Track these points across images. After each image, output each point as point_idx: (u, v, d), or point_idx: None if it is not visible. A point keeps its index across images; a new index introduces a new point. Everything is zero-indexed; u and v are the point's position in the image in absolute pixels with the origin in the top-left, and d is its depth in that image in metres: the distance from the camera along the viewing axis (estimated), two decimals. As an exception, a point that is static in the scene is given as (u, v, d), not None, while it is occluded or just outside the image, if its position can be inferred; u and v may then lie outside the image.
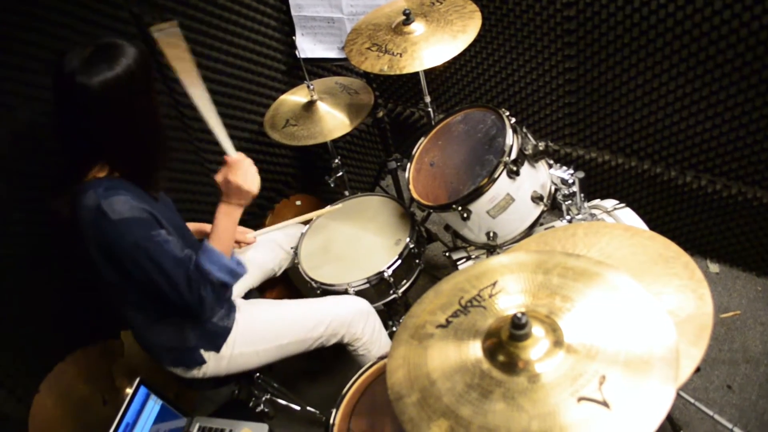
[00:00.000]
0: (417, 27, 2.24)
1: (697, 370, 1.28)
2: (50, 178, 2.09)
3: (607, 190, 2.79)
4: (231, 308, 2.03)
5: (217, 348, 1.99)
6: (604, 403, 1.01)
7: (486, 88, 2.92)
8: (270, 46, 2.80)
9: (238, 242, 2.28)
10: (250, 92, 2.78)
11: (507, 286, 1.28)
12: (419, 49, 2.17)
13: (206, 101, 1.93)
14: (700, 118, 2.29)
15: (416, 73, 2.33)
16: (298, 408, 2.47)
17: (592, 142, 2.71)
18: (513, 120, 2.06)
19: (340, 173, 2.78)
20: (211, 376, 2.03)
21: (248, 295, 2.34)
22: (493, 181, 1.96)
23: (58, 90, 1.62)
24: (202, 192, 2.70)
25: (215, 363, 2.00)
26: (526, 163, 2.03)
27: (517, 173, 1.99)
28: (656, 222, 2.71)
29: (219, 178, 1.88)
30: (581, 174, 1.95)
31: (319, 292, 2.27)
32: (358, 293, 2.22)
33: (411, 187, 2.21)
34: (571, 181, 1.97)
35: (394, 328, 2.44)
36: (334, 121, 2.49)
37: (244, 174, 1.86)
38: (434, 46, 2.17)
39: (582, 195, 1.99)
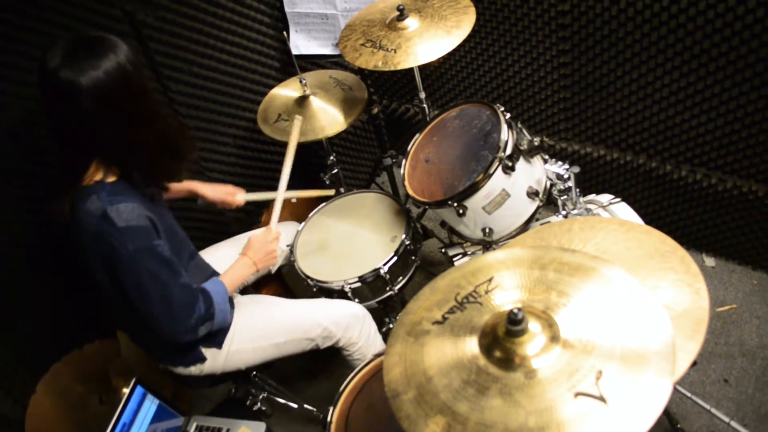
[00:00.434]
0: (411, 23, 2.24)
1: (694, 364, 1.28)
2: (46, 177, 2.10)
3: (602, 184, 2.79)
4: (230, 304, 2.03)
5: (219, 344, 1.99)
6: (601, 398, 1.01)
7: (481, 83, 2.91)
8: (264, 42, 2.80)
9: (227, 203, 2.31)
10: (245, 89, 2.78)
11: (503, 282, 1.28)
12: (413, 45, 2.17)
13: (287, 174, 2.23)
14: (695, 112, 2.29)
15: (411, 69, 2.33)
16: (295, 406, 2.47)
17: (587, 136, 2.71)
18: (508, 115, 2.05)
19: (336, 170, 2.77)
20: (208, 373, 2.02)
21: (244, 292, 2.34)
22: (488, 176, 1.96)
23: (44, 87, 1.58)
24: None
25: (213, 360, 2.00)
26: (521, 159, 2.03)
27: (512, 169, 1.99)
28: (652, 216, 2.71)
29: (253, 236, 2.11)
30: (577, 169, 1.95)
31: (315, 289, 2.27)
32: (354, 290, 2.21)
33: (406, 183, 2.21)
34: (566, 176, 1.98)
35: (391, 325, 2.44)
36: (327, 118, 2.48)
37: (270, 246, 2.09)
38: (428, 41, 2.16)
39: (577, 190, 1.99)
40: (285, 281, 2.58)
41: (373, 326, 2.22)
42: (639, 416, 0.97)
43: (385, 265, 2.20)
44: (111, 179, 1.70)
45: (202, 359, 1.97)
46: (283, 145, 2.56)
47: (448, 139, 2.23)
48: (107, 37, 1.62)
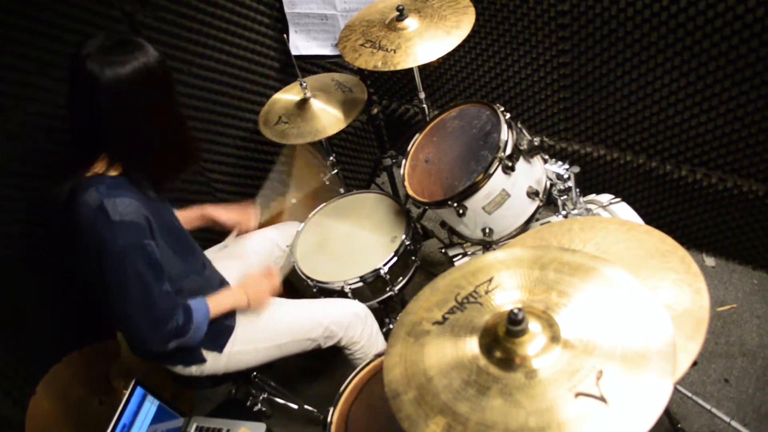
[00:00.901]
0: (410, 23, 2.23)
1: (694, 363, 1.28)
2: (46, 178, 2.09)
3: (602, 184, 2.79)
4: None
5: (219, 348, 1.99)
6: (602, 398, 1.00)
7: (480, 83, 2.91)
8: (263, 43, 2.79)
9: (244, 228, 2.32)
10: (245, 90, 2.77)
11: (503, 282, 1.27)
12: (413, 45, 2.17)
13: None
14: (695, 112, 2.29)
15: (410, 70, 2.33)
16: (295, 407, 2.46)
17: (587, 136, 2.71)
18: (508, 115, 2.05)
19: (335, 171, 2.77)
20: (209, 374, 2.02)
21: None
22: (488, 176, 1.96)
23: (71, 70, 1.61)
24: (197, 191, 2.69)
25: (214, 361, 1.99)
26: (521, 159, 2.03)
27: (512, 169, 1.99)
28: (652, 216, 2.71)
29: (255, 272, 2.09)
30: (577, 169, 1.95)
31: (315, 290, 2.26)
32: (354, 291, 2.21)
33: (406, 183, 2.21)
34: (566, 176, 1.97)
35: (391, 326, 2.43)
36: (327, 119, 2.48)
37: (266, 287, 2.05)
38: (428, 41, 2.16)
39: (577, 190, 1.99)
40: (286, 280, 2.58)
41: (375, 325, 2.22)
42: (640, 416, 0.97)
43: (385, 265, 2.19)
44: (113, 173, 1.71)
45: (202, 360, 1.97)
46: (282, 146, 2.57)
47: (447, 140, 2.23)
48: (143, 42, 1.65)
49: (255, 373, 2.23)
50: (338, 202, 2.57)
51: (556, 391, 1.04)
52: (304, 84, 2.52)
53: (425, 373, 1.16)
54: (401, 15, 2.23)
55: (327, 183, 2.78)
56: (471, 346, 1.17)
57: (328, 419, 1.73)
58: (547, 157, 2.15)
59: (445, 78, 3.05)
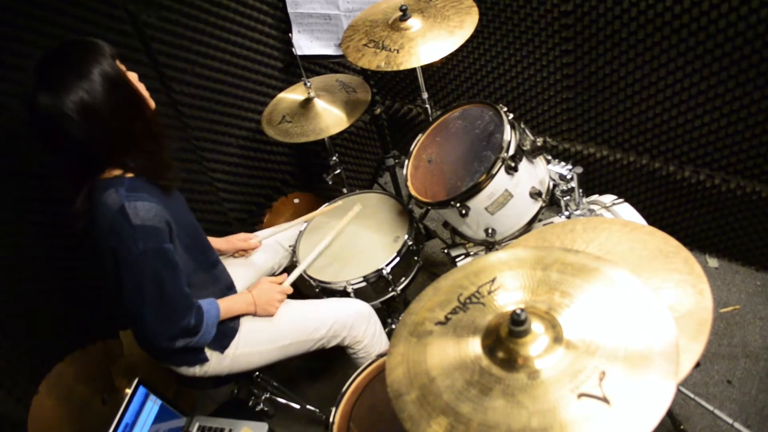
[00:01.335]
0: (414, 23, 2.23)
1: (697, 365, 1.28)
2: (47, 177, 2.10)
3: (605, 185, 2.78)
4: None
5: (222, 348, 1.99)
6: (605, 399, 1.00)
7: (483, 83, 2.91)
8: (267, 43, 2.80)
9: (243, 250, 2.30)
10: (248, 90, 2.78)
11: (506, 283, 1.27)
12: (416, 45, 2.17)
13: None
14: (698, 113, 2.29)
15: (413, 70, 2.33)
16: (297, 407, 2.47)
17: (590, 137, 2.71)
18: (511, 116, 2.05)
19: (338, 171, 2.77)
20: (212, 375, 2.02)
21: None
22: (491, 177, 1.96)
23: (31, 114, 1.55)
24: (200, 191, 2.70)
25: (217, 362, 2.00)
26: (524, 159, 2.02)
27: (515, 169, 1.98)
28: (655, 217, 2.71)
29: (263, 280, 2.10)
30: (579, 169, 1.95)
31: (318, 290, 2.26)
32: (357, 291, 2.21)
33: (409, 184, 2.21)
34: (569, 176, 1.97)
35: (393, 326, 2.43)
36: (330, 119, 2.48)
37: (275, 297, 2.06)
38: (431, 42, 2.16)
39: (580, 190, 1.98)
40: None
41: (379, 324, 2.22)
42: (642, 417, 0.97)
43: (387, 265, 2.19)
44: (130, 174, 1.70)
45: (205, 360, 1.97)
46: (285, 146, 2.57)
47: (450, 140, 2.22)
48: (83, 41, 1.58)
49: (257, 373, 2.23)
50: (341, 202, 2.57)
51: (558, 391, 1.04)
52: (309, 83, 2.53)
53: (428, 374, 1.16)
54: (404, 15, 2.23)
55: (330, 183, 2.78)
56: (473, 346, 1.17)
57: (331, 419, 1.73)
58: (550, 157, 2.14)
59: (448, 78, 3.05)
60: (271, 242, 2.41)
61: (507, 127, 2.00)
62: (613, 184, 2.76)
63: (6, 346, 2.14)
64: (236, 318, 2.01)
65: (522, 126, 2.07)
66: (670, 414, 2.15)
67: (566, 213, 2.04)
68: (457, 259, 2.29)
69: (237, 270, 2.22)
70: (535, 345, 1.10)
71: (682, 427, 2.11)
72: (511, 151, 1.98)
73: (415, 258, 2.32)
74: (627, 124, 2.53)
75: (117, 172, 1.69)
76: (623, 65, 2.35)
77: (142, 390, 1.93)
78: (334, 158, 2.75)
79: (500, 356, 1.12)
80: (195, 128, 2.59)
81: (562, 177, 2.00)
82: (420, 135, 2.32)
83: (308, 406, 2.47)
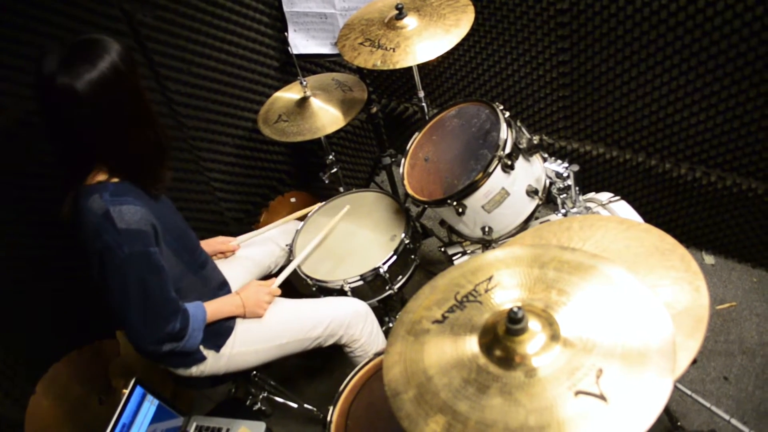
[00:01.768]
0: (410, 21, 2.23)
1: (694, 362, 1.28)
2: (45, 177, 2.09)
3: (601, 183, 2.79)
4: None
5: (217, 347, 1.98)
6: (602, 397, 1.00)
7: (480, 82, 2.91)
8: (263, 42, 2.79)
9: (222, 252, 2.30)
10: (244, 89, 2.77)
11: (503, 281, 1.27)
12: (412, 44, 2.17)
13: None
14: (693, 110, 2.29)
15: (410, 68, 2.33)
16: (295, 405, 2.46)
17: (586, 135, 2.71)
18: (507, 114, 2.05)
19: (335, 169, 2.77)
20: (209, 374, 2.02)
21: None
22: (487, 175, 1.96)
23: (41, 93, 1.57)
24: (196, 190, 2.69)
25: (214, 361, 1.99)
26: (520, 157, 2.03)
27: (511, 167, 1.98)
28: (651, 214, 2.71)
29: (252, 282, 2.10)
30: (576, 167, 1.95)
31: (314, 289, 2.26)
32: (354, 290, 2.21)
33: (405, 182, 2.21)
34: (565, 174, 1.97)
35: (390, 324, 2.43)
36: (326, 117, 2.48)
37: (263, 298, 2.06)
38: (427, 40, 2.16)
39: (577, 188, 1.99)
40: (290, 279, 2.58)
41: (376, 323, 2.22)
42: (639, 414, 0.97)
43: (384, 264, 2.19)
44: (115, 179, 1.70)
45: (202, 360, 1.97)
46: (281, 145, 2.57)
47: (447, 138, 2.22)
48: (101, 38, 1.60)
49: (255, 372, 2.23)
50: (337, 200, 2.56)
51: (555, 389, 1.04)
52: (305, 82, 2.52)
53: (425, 372, 1.16)
54: (400, 13, 2.23)
55: (326, 181, 2.78)
56: (471, 344, 1.17)
57: (328, 418, 1.73)
58: (546, 155, 2.14)
59: (444, 76, 3.04)
60: (267, 240, 2.41)
61: (503, 126, 2.00)
62: (610, 182, 2.76)
63: (2, 346, 2.14)
64: (232, 317, 2.01)
65: (518, 124, 2.08)
66: (667, 411, 2.15)
67: (563, 211, 2.04)
68: (454, 258, 2.29)
69: (232, 269, 2.22)
70: (532, 343, 1.10)
71: (679, 423, 2.12)
72: (508, 150, 1.98)
73: (412, 256, 2.32)
74: (623, 121, 2.53)
75: (102, 177, 1.69)
76: (619, 63, 2.36)
77: (139, 390, 1.93)
78: (331, 157, 2.75)
79: (497, 354, 1.12)
80: (191, 128, 2.58)
81: (558, 175, 2.00)
82: (416, 133, 2.32)
83: (306, 405, 2.47)
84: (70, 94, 1.52)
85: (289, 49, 2.58)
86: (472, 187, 1.98)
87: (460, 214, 2.05)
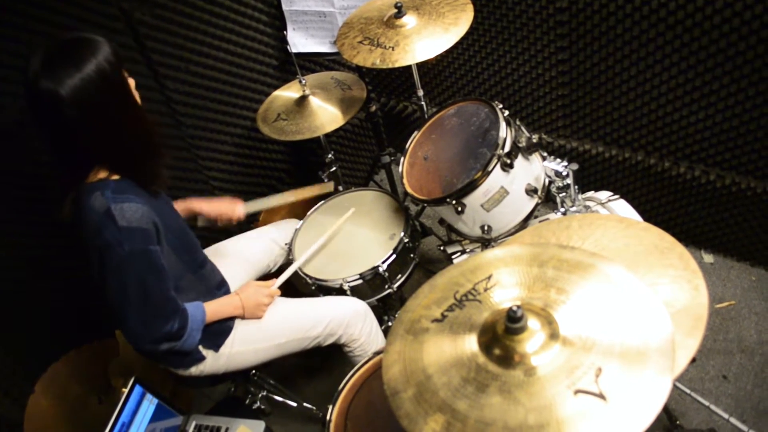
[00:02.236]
0: (409, 20, 2.23)
1: (693, 360, 1.28)
2: (44, 176, 2.09)
3: (601, 181, 2.79)
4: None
5: (216, 347, 1.98)
6: (601, 396, 1.00)
7: (479, 81, 2.91)
8: (261, 41, 2.79)
9: (227, 217, 2.29)
10: (242, 87, 2.77)
11: (502, 280, 1.27)
12: (411, 43, 2.16)
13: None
14: (693, 109, 2.29)
15: (409, 67, 2.33)
16: (294, 404, 2.47)
17: (585, 133, 2.71)
18: (506, 113, 2.05)
19: (334, 168, 2.77)
20: (208, 374, 2.02)
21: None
22: (487, 174, 1.96)
23: (27, 95, 1.55)
24: (195, 189, 2.69)
25: (213, 361, 1.99)
26: (519, 156, 2.03)
27: (510, 166, 1.98)
28: (650, 213, 2.71)
29: (251, 283, 2.09)
30: (575, 166, 1.95)
31: (314, 288, 2.26)
32: (353, 289, 2.21)
33: (405, 181, 2.21)
34: (565, 173, 1.97)
35: (390, 323, 2.43)
36: (325, 116, 2.48)
37: (262, 300, 2.04)
38: (426, 39, 2.16)
39: (576, 187, 1.98)
40: (289, 279, 2.58)
41: (375, 322, 2.22)
42: (638, 413, 0.97)
43: (383, 263, 2.19)
44: (116, 177, 1.70)
45: (201, 359, 1.97)
46: (280, 143, 2.57)
47: (446, 137, 2.22)
48: (87, 38, 1.58)
49: (254, 371, 2.23)
50: (336, 199, 2.56)
51: (555, 388, 1.04)
52: (304, 81, 2.52)
53: (424, 371, 1.16)
54: (399, 12, 2.23)
55: (325, 180, 2.78)
56: (470, 343, 1.17)
57: (328, 417, 1.73)
58: (545, 154, 2.14)
59: (443, 75, 3.04)
60: (266, 239, 2.41)
61: (502, 124, 2.00)
62: (609, 181, 2.76)
63: (2, 345, 2.14)
64: (231, 317, 2.01)
65: (517, 123, 2.08)
66: (666, 409, 2.16)
67: (562, 210, 2.04)
68: (453, 256, 2.29)
69: (231, 268, 2.22)
70: (532, 342, 1.10)
71: (678, 422, 2.12)
72: (507, 148, 1.98)
73: (411, 255, 2.32)
74: (622, 120, 2.53)
75: (103, 174, 1.69)
76: (618, 61, 2.35)
77: (138, 389, 1.93)
78: (330, 156, 2.74)
79: (497, 353, 1.12)
80: (189, 126, 2.58)
81: (557, 174, 2.00)
82: (415, 132, 2.32)
83: (305, 404, 2.47)
84: (54, 98, 1.51)
85: (288, 47, 2.57)
86: (472, 186, 1.97)
87: (459, 213, 2.05)
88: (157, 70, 2.39)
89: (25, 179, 2.10)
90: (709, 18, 2.04)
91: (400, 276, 2.29)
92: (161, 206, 1.81)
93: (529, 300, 1.20)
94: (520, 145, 2.03)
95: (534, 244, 1.41)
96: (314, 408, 2.47)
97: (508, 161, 1.97)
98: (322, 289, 2.25)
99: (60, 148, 1.67)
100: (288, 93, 2.64)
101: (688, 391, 2.04)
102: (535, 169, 2.13)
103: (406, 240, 2.26)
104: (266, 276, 2.45)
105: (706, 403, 2.00)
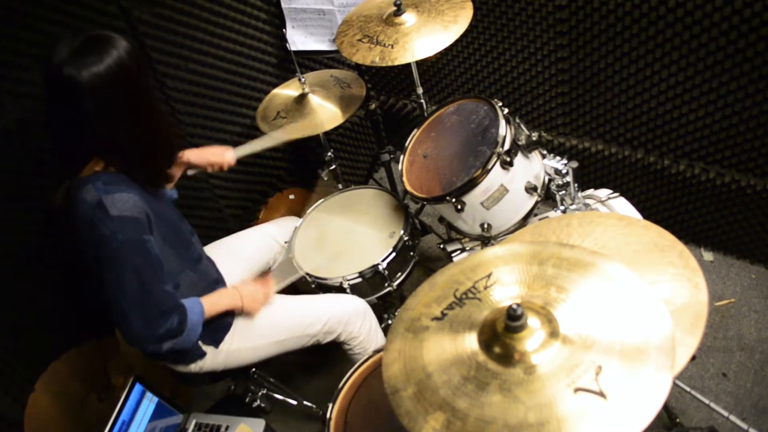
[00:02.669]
0: (408, 18, 2.23)
1: (693, 358, 1.28)
2: (44, 175, 2.09)
3: (600, 179, 2.78)
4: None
5: (216, 343, 1.98)
6: (601, 394, 1.00)
7: (478, 78, 2.91)
8: (261, 39, 2.79)
9: (217, 165, 2.28)
10: (242, 86, 2.77)
11: (502, 278, 1.27)
12: (411, 40, 2.16)
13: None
14: (693, 107, 2.29)
15: (408, 65, 2.32)
16: (294, 402, 2.47)
17: (585, 131, 2.71)
18: (506, 110, 2.05)
19: (333, 166, 2.77)
20: (208, 371, 2.02)
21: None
22: (486, 172, 1.96)
23: (47, 81, 1.58)
24: (195, 187, 2.69)
25: (212, 357, 1.99)
26: (519, 154, 2.02)
27: (510, 164, 1.98)
28: (650, 211, 2.71)
29: (250, 279, 2.10)
30: (575, 164, 1.95)
31: (314, 286, 2.26)
32: (353, 287, 2.21)
33: (404, 179, 2.21)
34: (564, 171, 1.97)
35: (390, 321, 2.43)
36: (325, 114, 2.48)
37: (260, 294, 2.02)
38: (426, 36, 2.16)
39: (576, 185, 1.98)
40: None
41: (374, 320, 2.22)
42: (639, 411, 0.97)
43: (383, 261, 2.19)
44: (111, 170, 1.70)
45: (201, 354, 1.96)
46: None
47: (446, 135, 2.22)
48: (110, 34, 1.61)
49: (254, 369, 2.23)
50: (336, 197, 2.56)
51: (555, 386, 1.04)
52: (303, 79, 2.52)
53: (424, 369, 1.16)
54: (399, 10, 2.23)
55: (324, 178, 2.78)
56: (470, 341, 1.17)
57: (328, 415, 1.73)
58: (545, 152, 2.14)
59: (443, 73, 3.04)
60: (266, 237, 2.41)
61: (502, 122, 2.00)
62: (609, 179, 2.76)
63: (1, 344, 2.14)
64: (231, 313, 2.00)
65: (517, 121, 2.08)
66: (666, 407, 2.16)
67: (562, 208, 2.04)
68: (453, 255, 2.29)
69: (231, 265, 2.21)
70: (532, 340, 1.10)
71: (677, 420, 2.12)
72: (507, 146, 1.98)
73: (411, 253, 2.32)
74: (622, 118, 2.53)
75: (97, 168, 1.69)
76: (618, 59, 2.35)
77: (138, 387, 1.93)
78: (329, 154, 2.74)
79: (497, 351, 1.12)
80: (189, 124, 2.58)
81: (557, 171, 2.00)
82: (415, 130, 2.31)
83: (305, 402, 2.47)
84: (74, 85, 1.53)
85: (288, 45, 2.57)
86: (471, 184, 1.97)
87: (459, 211, 2.05)
88: (156, 68, 2.38)
89: (25, 178, 2.10)
90: (708, 16, 2.04)
91: (400, 274, 2.29)
92: (154, 199, 1.80)
93: (529, 298, 1.20)
94: (520, 143, 2.03)
95: (534, 242, 1.41)
96: (314, 406, 2.47)
97: (508, 159, 1.97)
98: (322, 287, 2.25)
99: (66, 136, 1.67)
100: (287, 91, 2.63)
101: (688, 389, 2.04)
102: (534, 167, 2.13)
103: (406, 238, 2.26)
104: (265, 273, 2.45)
105: (706, 401, 2.00)
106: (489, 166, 1.96)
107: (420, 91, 2.56)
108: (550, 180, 2.09)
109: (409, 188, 2.17)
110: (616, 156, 2.65)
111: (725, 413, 1.97)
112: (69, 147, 1.69)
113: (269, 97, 2.64)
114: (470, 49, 2.81)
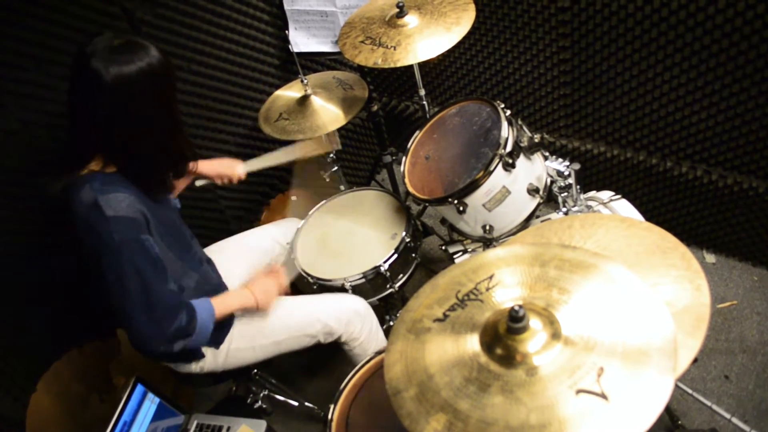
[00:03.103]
0: (411, 20, 2.23)
1: (695, 360, 1.28)
2: (45, 175, 2.09)
3: (603, 181, 2.78)
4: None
5: (216, 343, 1.98)
6: (603, 395, 1.00)
7: (481, 80, 2.91)
8: (263, 40, 2.79)
9: (227, 177, 2.31)
10: (244, 87, 2.77)
11: (504, 279, 1.27)
12: (413, 42, 2.16)
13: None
14: (695, 109, 2.29)
15: (410, 67, 2.33)
16: (296, 404, 2.47)
17: (587, 133, 2.71)
18: (508, 112, 2.05)
19: (335, 168, 2.77)
20: (208, 371, 2.02)
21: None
22: (488, 173, 1.96)
23: (74, 69, 1.60)
24: (197, 189, 2.69)
25: (213, 358, 1.99)
26: (521, 156, 2.02)
27: (512, 166, 1.98)
28: (652, 213, 2.71)
29: (260, 272, 2.06)
30: (577, 166, 1.95)
31: (315, 287, 2.26)
32: (355, 288, 2.21)
33: (406, 180, 2.21)
34: (566, 173, 1.97)
35: (391, 323, 2.43)
36: (327, 116, 2.48)
37: (273, 286, 2.01)
38: (428, 38, 2.16)
39: (578, 187, 1.98)
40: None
41: (375, 321, 2.22)
42: (640, 413, 0.97)
43: (385, 262, 2.19)
44: (108, 170, 1.70)
45: (201, 356, 1.96)
46: (283, 143, 2.56)
47: (448, 136, 2.22)
48: (149, 44, 1.64)
49: (255, 371, 2.23)
50: (338, 199, 2.57)
51: (556, 388, 1.04)
52: (305, 80, 2.52)
53: (426, 371, 1.16)
54: (401, 12, 2.23)
55: (327, 180, 2.77)
56: (472, 343, 1.17)
57: (329, 416, 1.73)
58: (547, 154, 2.14)
59: (445, 75, 3.04)
60: (267, 238, 2.41)
61: (504, 124, 2.00)
62: (611, 181, 2.76)
63: (3, 344, 2.14)
64: (241, 309, 2.00)
65: (519, 122, 2.08)
66: (667, 409, 2.16)
67: (564, 209, 2.04)
68: (454, 256, 2.29)
69: (233, 267, 2.22)
70: (534, 341, 1.10)
71: (679, 422, 2.12)
72: (509, 148, 1.98)
73: (413, 255, 2.32)
74: (624, 120, 2.53)
75: (96, 167, 1.69)
76: (620, 61, 2.35)
77: (140, 388, 1.93)
78: (332, 155, 2.74)
79: (498, 353, 1.12)
80: (191, 126, 2.58)
81: (559, 173, 2.00)
82: (417, 132, 2.32)
83: (306, 403, 2.47)
84: (98, 80, 1.55)
85: (290, 47, 2.57)
86: (473, 186, 1.97)
87: (461, 213, 2.05)
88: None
89: (26, 177, 2.10)
90: (711, 17, 2.03)
91: (401, 275, 2.29)
92: (156, 205, 1.80)
93: (531, 300, 1.20)
94: (522, 144, 2.03)
95: (536, 244, 1.41)
96: (316, 407, 2.47)
97: (510, 161, 1.97)
98: (324, 288, 2.26)
99: (79, 128, 1.68)
100: (290, 93, 2.64)
101: (690, 391, 2.04)
102: (537, 169, 2.13)
103: (408, 239, 2.26)
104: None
105: (708, 404, 2.00)
106: (491, 168, 1.96)
107: (422, 92, 2.56)
108: (552, 182, 2.09)
109: (411, 190, 2.17)
110: (619, 158, 2.65)
111: (727, 415, 1.97)
112: (79, 140, 1.69)
113: (272, 99, 2.65)
114: (473, 50, 2.82)
